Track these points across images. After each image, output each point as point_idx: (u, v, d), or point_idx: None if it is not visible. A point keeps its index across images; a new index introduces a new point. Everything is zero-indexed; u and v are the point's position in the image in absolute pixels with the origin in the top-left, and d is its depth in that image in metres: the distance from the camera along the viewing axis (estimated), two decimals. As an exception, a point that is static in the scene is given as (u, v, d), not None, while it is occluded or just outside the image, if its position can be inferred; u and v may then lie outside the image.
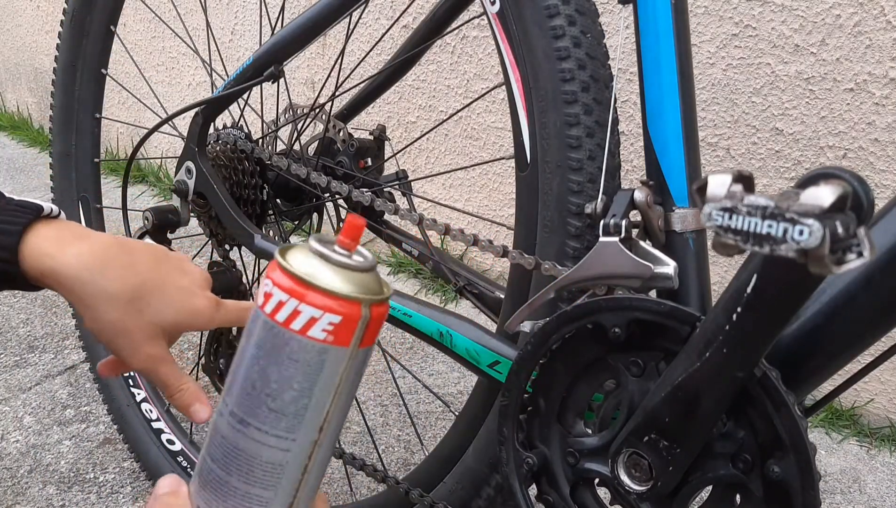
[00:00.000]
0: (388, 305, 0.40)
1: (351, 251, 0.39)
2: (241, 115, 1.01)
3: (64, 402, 1.36)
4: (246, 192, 0.95)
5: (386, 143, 1.03)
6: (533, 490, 0.63)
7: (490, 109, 1.65)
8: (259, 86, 0.86)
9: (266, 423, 0.39)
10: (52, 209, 0.54)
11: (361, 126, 1.11)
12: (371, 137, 1.01)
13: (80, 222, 1.22)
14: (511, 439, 0.63)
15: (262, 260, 0.93)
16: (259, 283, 1.11)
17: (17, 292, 0.56)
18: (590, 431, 0.61)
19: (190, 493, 0.42)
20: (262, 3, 1.06)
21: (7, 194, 0.54)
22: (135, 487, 1.15)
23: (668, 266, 0.56)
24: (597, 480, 0.60)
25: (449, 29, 0.93)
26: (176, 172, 0.95)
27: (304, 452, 0.40)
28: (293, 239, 1.08)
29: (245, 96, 0.95)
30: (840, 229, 0.35)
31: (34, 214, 0.52)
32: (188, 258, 0.59)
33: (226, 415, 0.40)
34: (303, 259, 0.38)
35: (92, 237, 0.54)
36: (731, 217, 0.37)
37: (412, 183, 1.02)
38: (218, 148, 0.96)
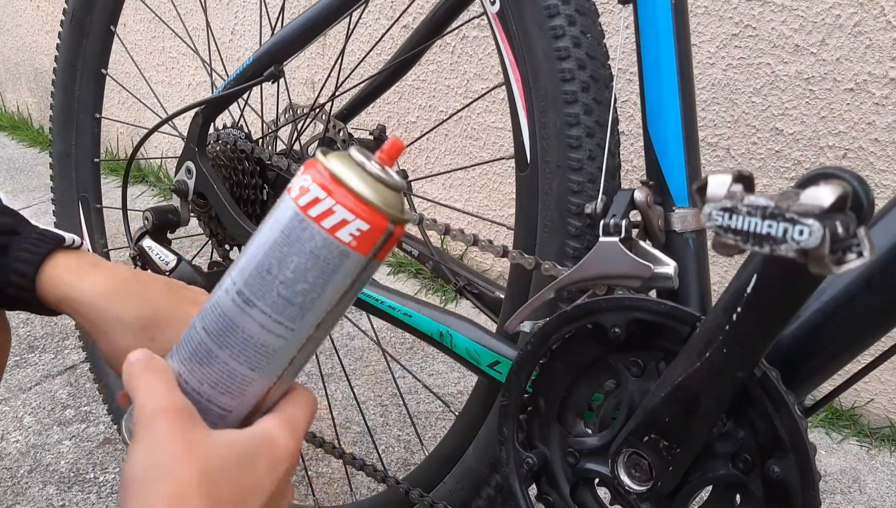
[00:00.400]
0: (405, 227, 0.42)
1: (386, 168, 0.40)
2: (241, 115, 1.01)
3: (64, 402, 1.36)
4: (246, 192, 0.95)
5: (386, 143, 1.03)
6: (533, 490, 0.63)
7: (490, 109, 1.65)
8: (259, 86, 0.86)
9: (272, 308, 0.40)
10: (73, 240, 0.57)
11: (361, 126, 1.11)
12: (371, 137, 1.01)
13: (80, 222, 1.22)
14: (511, 439, 0.63)
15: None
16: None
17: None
18: (590, 431, 0.61)
19: (168, 363, 0.44)
20: (262, 3, 1.06)
21: (33, 222, 0.57)
22: (135, 487, 1.15)
23: (668, 266, 0.56)
24: (597, 480, 0.60)
25: (449, 29, 0.93)
26: (176, 172, 0.95)
27: (298, 343, 0.42)
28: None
29: (245, 96, 0.95)
30: (840, 229, 0.35)
31: (54, 244, 0.55)
32: (203, 291, 0.61)
33: (231, 293, 0.41)
34: (343, 165, 0.39)
35: (108, 267, 0.56)
36: (731, 217, 0.37)
37: (412, 183, 1.02)
38: (218, 148, 0.96)
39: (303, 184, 0.39)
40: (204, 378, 0.42)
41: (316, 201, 0.39)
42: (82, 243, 0.58)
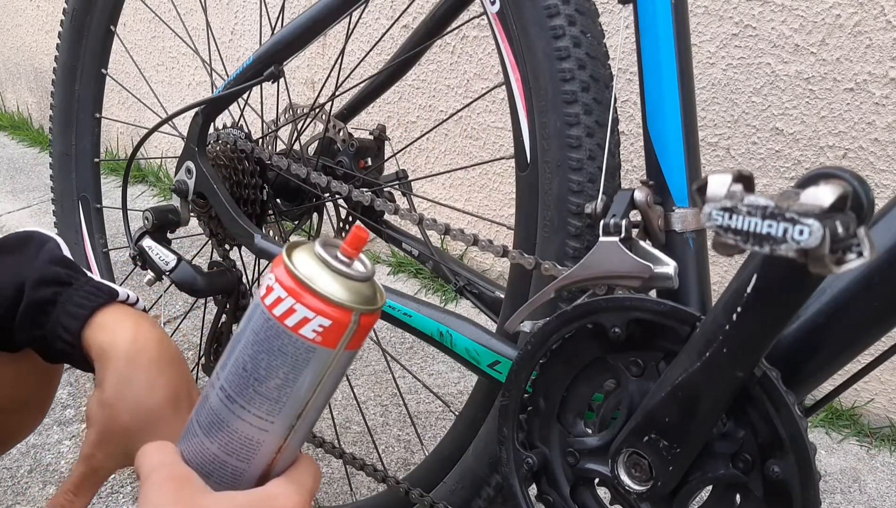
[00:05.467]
0: (379, 314, 0.43)
1: (352, 260, 0.41)
2: (241, 115, 1.01)
3: (64, 402, 1.36)
4: (246, 192, 0.95)
5: (386, 143, 1.03)
6: (533, 490, 0.63)
7: (490, 109, 1.65)
8: (259, 86, 0.86)
9: (250, 403, 0.42)
10: (127, 296, 0.54)
11: (361, 126, 1.11)
12: (371, 137, 1.01)
13: (80, 222, 1.22)
14: (511, 439, 0.63)
15: (262, 260, 0.93)
16: (259, 283, 1.12)
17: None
18: (590, 431, 0.61)
19: (181, 452, 0.45)
20: (262, 3, 1.06)
21: (89, 274, 0.55)
22: (135, 487, 1.15)
23: (668, 266, 0.56)
24: (597, 480, 0.60)
25: (449, 29, 0.93)
26: (176, 172, 0.95)
27: (281, 434, 0.43)
28: (293, 239, 1.08)
29: (245, 96, 0.95)
30: (840, 229, 0.35)
31: (106, 298, 0.53)
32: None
33: (216, 388, 0.43)
34: (306, 261, 0.41)
35: (141, 333, 0.53)
36: (731, 217, 0.37)
37: (412, 183, 1.02)
38: (218, 148, 0.96)
39: (268, 283, 0.41)
40: (203, 471, 0.43)
41: (279, 300, 0.40)
42: (137, 300, 0.55)
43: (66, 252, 0.56)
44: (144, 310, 0.57)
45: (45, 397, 0.63)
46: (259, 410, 0.42)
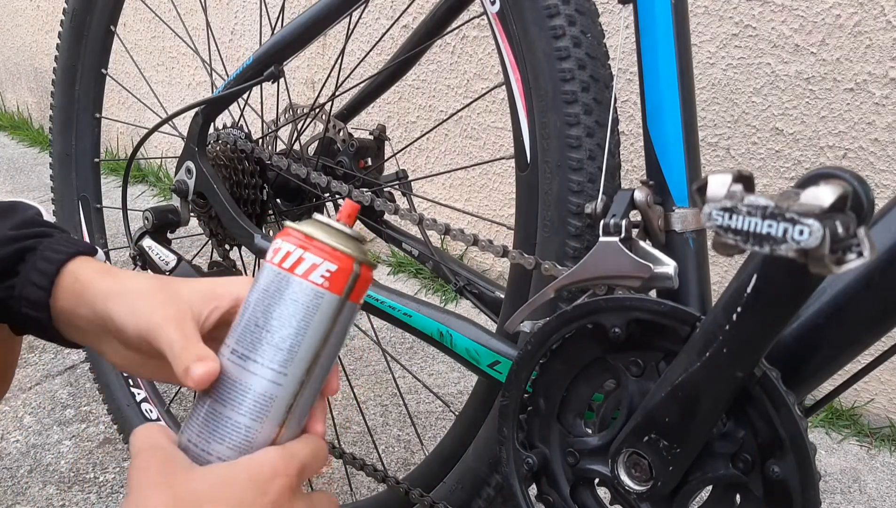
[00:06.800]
0: (373, 270, 0.48)
1: (348, 225, 0.47)
2: (241, 115, 1.01)
3: (64, 402, 1.36)
4: (246, 192, 0.95)
5: (386, 143, 1.03)
6: (533, 490, 0.63)
7: (490, 109, 1.65)
8: (259, 86, 0.86)
9: (264, 356, 0.45)
10: (99, 254, 0.56)
11: (361, 126, 1.11)
12: (371, 137, 1.01)
13: (80, 222, 1.22)
14: (511, 439, 0.63)
15: (261, 260, 0.93)
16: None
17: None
18: (590, 431, 0.61)
19: (178, 439, 0.46)
20: (262, 3, 1.06)
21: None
22: (135, 487, 1.15)
23: (668, 266, 0.56)
24: (597, 480, 0.60)
25: (449, 29, 0.93)
26: (176, 172, 0.95)
27: (293, 389, 0.46)
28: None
29: (245, 96, 0.95)
30: (840, 229, 0.35)
31: (80, 248, 0.53)
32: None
33: (227, 354, 0.46)
34: (309, 224, 0.46)
35: (129, 272, 0.54)
36: (731, 217, 0.37)
37: (412, 183, 1.02)
38: (218, 148, 0.96)
39: (276, 247, 0.46)
40: (213, 438, 0.45)
41: (287, 254, 0.45)
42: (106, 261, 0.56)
43: (50, 218, 0.57)
44: None
45: (6, 363, 0.63)
46: (272, 362, 0.44)
